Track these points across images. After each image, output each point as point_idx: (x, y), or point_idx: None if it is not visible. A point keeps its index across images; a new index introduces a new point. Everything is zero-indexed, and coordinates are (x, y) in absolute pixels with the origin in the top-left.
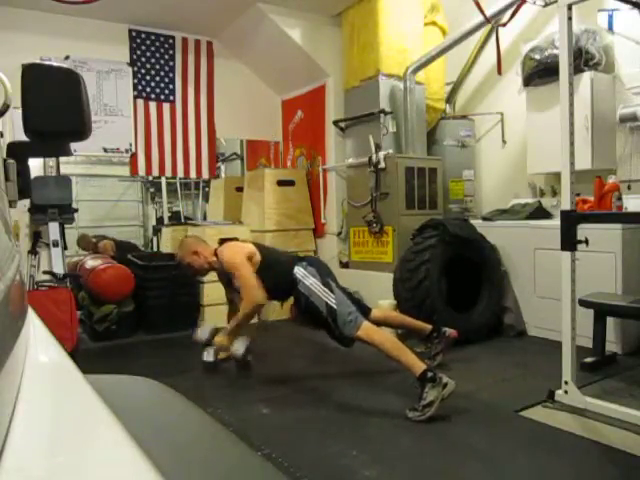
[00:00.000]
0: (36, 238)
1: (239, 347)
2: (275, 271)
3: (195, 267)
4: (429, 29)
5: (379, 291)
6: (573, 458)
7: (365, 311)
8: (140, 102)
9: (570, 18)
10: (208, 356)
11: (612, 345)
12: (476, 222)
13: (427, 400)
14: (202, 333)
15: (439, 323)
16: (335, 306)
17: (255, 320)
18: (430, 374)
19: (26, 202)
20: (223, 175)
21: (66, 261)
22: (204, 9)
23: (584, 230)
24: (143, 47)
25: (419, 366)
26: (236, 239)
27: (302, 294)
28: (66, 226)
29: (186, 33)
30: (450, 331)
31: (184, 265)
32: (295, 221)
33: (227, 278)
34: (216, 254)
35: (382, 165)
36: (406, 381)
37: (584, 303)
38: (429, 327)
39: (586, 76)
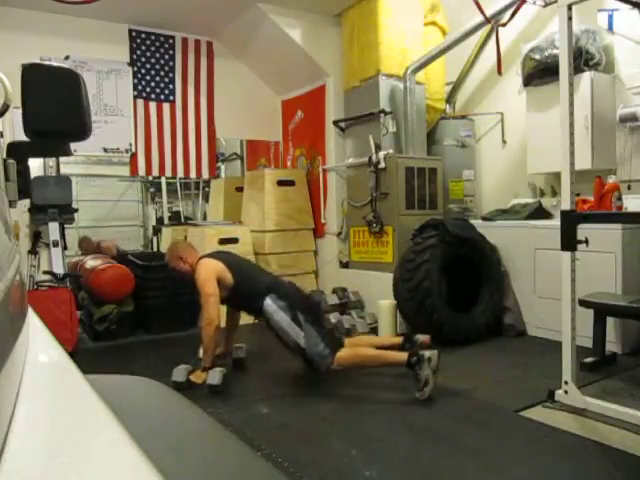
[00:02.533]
0: (36, 238)
1: (214, 377)
2: (245, 298)
3: (179, 272)
4: (429, 29)
5: (379, 291)
6: (573, 458)
7: (338, 344)
8: (140, 102)
9: (570, 18)
10: (178, 376)
11: (612, 345)
12: (476, 222)
13: (423, 379)
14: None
15: (439, 323)
16: (303, 345)
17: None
18: (414, 358)
19: (26, 202)
20: (223, 175)
21: (66, 261)
22: (204, 9)
23: (584, 230)
24: (143, 47)
25: (402, 358)
26: (236, 240)
27: (271, 327)
28: (66, 226)
29: (186, 33)
30: (423, 338)
31: (170, 268)
32: (295, 221)
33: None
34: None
35: (382, 165)
36: (406, 381)
37: (584, 303)
38: (399, 339)
39: (586, 76)
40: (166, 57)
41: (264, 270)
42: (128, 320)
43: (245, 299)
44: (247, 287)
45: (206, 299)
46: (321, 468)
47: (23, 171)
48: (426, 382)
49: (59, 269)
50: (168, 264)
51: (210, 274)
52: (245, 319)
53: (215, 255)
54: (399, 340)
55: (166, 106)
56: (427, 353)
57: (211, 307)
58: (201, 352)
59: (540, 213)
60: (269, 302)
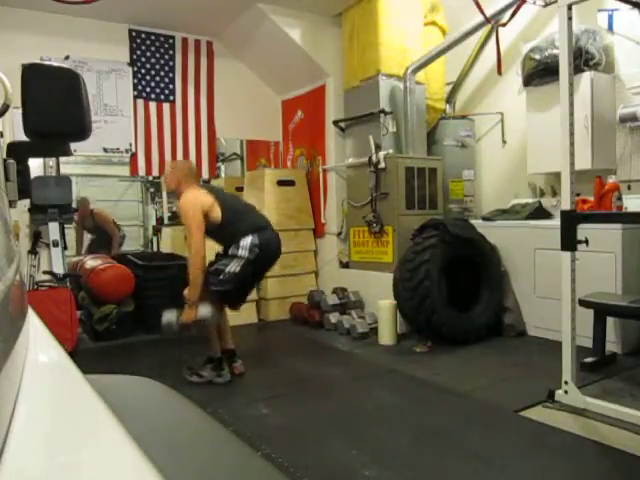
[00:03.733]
0: (36, 238)
1: (203, 311)
2: (227, 235)
3: (170, 190)
4: (429, 29)
5: (379, 291)
6: (573, 458)
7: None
8: (140, 102)
9: (570, 18)
10: (168, 317)
11: (612, 345)
12: (476, 222)
13: (202, 372)
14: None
15: (439, 323)
16: (225, 268)
17: (255, 320)
18: (215, 363)
19: (26, 202)
20: (223, 175)
21: (66, 261)
22: (204, 9)
23: (584, 230)
24: (143, 47)
25: (216, 351)
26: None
27: (229, 256)
28: (66, 226)
29: (186, 33)
30: (240, 369)
31: (164, 182)
32: (295, 221)
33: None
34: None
35: (382, 165)
36: (406, 381)
37: (584, 303)
38: (232, 348)
39: (586, 76)
40: (166, 57)
41: (254, 210)
42: (128, 320)
43: (227, 237)
44: (232, 228)
45: (191, 229)
46: (321, 468)
47: (23, 171)
48: (201, 376)
49: (59, 269)
50: (165, 178)
51: (196, 205)
52: (245, 319)
53: (207, 187)
54: (230, 349)
55: (166, 106)
56: (225, 373)
57: (196, 236)
58: (185, 291)
59: (540, 213)
60: (245, 242)
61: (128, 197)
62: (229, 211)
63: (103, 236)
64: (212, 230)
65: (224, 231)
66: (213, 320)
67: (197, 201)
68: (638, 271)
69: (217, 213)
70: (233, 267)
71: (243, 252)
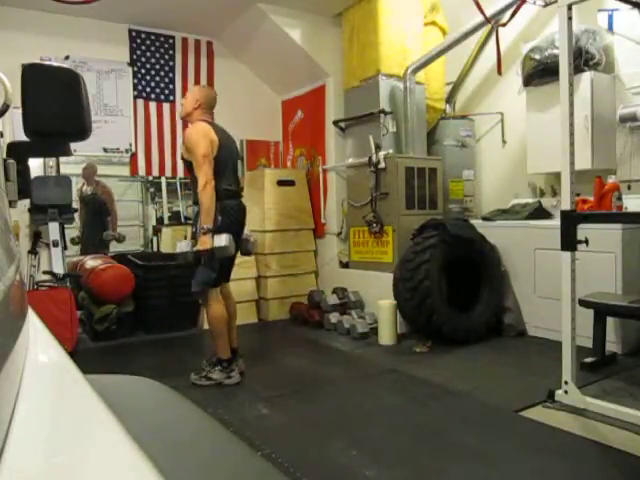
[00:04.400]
0: (36, 238)
1: (221, 240)
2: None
3: (185, 117)
4: (429, 29)
5: (379, 291)
6: (573, 458)
7: (225, 279)
8: (140, 102)
9: (570, 18)
10: (183, 247)
11: (612, 345)
12: (476, 222)
13: (211, 375)
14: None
15: (439, 323)
16: (203, 260)
17: (255, 320)
18: (225, 364)
19: (26, 202)
20: None
21: (66, 261)
22: (204, 9)
23: (584, 230)
24: (143, 47)
25: (225, 353)
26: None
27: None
28: (66, 226)
29: (186, 33)
30: (242, 367)
31: (183, 112)
32: (295, 221)
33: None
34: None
35: (382, 165)
36: (406, 381)
37: (584, 303)
38: (235, 346)
39: (586, 76)
40: (166, 57)
41: (234, 177)
42: (128, 320)
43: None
44: (215, 175)
45: (202, 159)
46: (321, 468)
47: (23, 171)
48: (209, 378)
49: (59, 269)
50: (183, 102)
51: (207, 137)
52: (245, 319)
53: (218, 127)
54: (234, 347)
55: (166, 106)
56: (235, 375)
57: (206, 167)
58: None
59: (540, 213)
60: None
61: (128, 197)
62: (220, 163)
63: (99, 213)
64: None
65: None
66: (230, 248)
67: (208, 134)
68: (638, 271)
69: (214, 154)
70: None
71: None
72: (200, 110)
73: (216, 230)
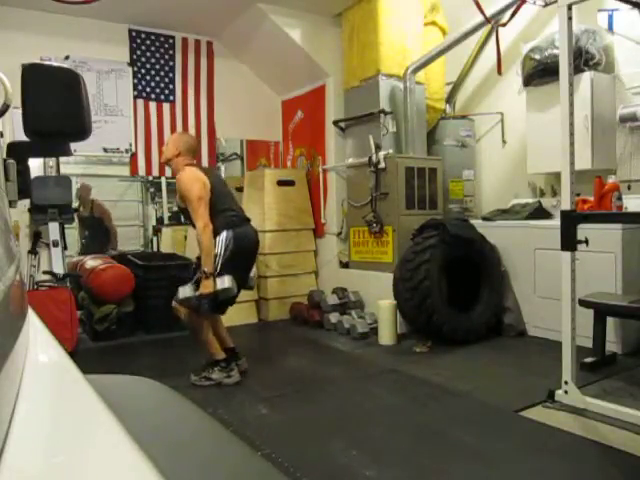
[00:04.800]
0: (36, 238)
1: (224, 282)
2: (215, 215)
3: (166, 162)
4: (429, 29)
5: (379, 291)
6: (573, 458)
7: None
8: (140, 102)
9: (570, 18)
10: (185, 292)
11: (612, 345)
12: (476, 222)
13: (211, 375)
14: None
15: (439, 323)
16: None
17: (255, 320)
18: (224, 364)
19: (26, 202)
20: (223, 175)
21: (66, 261)
22: (204, 9)
23: (584, 230)
24: (143, 47)
25: (219, 354)
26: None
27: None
28: (66, 226)
29: (186, 33)
30: (244, 366)
31: (163, 157)
32: (295, 221)
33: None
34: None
35: (382, 165)
36: (406, 381)
37: (584, 303)
38: (231, 346)
39: (586, 76)
40: (166, 57)
41: (235, 203)
42: (128, 320)
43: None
44: (215, 215)
45: (197, 203)
46: (321, 468)
47: (23, 171)
48: (208, 379)
49: (59, 269)
50: (164, 149)
51: (199, 180)
52: (245, 319)
53: (202, 168)
54: (232, 347)
55: (166, 106)
56: (235, 373)
57: (202, 209)
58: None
59: (540, 213)
60: (223, 236)
61: (128, 197)
62: (216, 197)
63: (97, 233)
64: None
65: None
66: (233, 289)
67: (200, 177)
68: (638, 271)
69: (208, 196)
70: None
71: (217, 249)
72: (182, 157)
73: (228, 258)
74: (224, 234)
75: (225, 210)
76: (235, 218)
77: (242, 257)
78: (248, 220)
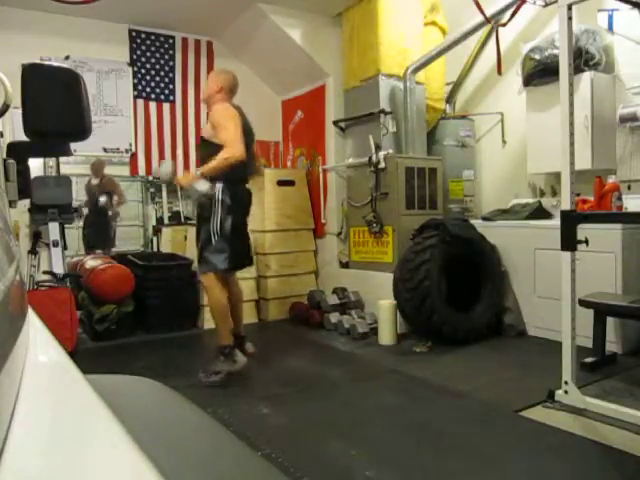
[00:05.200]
0: (36, 238)
1: (202, 185)
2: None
3: (207, 99)
4: (429, 29)
5: (379, 291)
6: (573, 458)
7: (235, 267)
8: (140, 102)
9: (570, 18)
10: (167, 167)
11: (612, 345)
12: (476, 222)
13: (217, 368)
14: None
15: (439, 323)
16: (213, 242)
17: (255, 320)
18: (227, 350)
19: (26, 202)
20: None
21: (66, 261)
22: (204, 9)
23: (584, 230)
24: (143, 47)
25: (226, 340)
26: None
27: (206, 207)
28: (66, 226)
29: (186, 33)
30: (252, 349)
31: (205, 95)
32: (295, 221)
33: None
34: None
35: (382, 165)
36: (406, 381)
37: (584, 303)
38: (235, 336)
39: (586, 76)
40: (166, 57)
41: (250, 157)
42: (128, 320)
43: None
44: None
45: (229, 138)
46: (321, 468)
47: (23, 171)
48: (217, 372)
49: (59, 269)
50: (208, 81)
51: (235, 118)
52: (246, 319)
53: (238, 109)
54: (242, 335)
55: (166, 106)
56: (238, 357)
57: (237, 143)
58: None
59: (540, 213)
60: (222, 190)
61: (128, 197)
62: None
63: (102, 223)
64: (210, 152)
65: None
66: (207, 196)
67: (237, 115)
68: (638, 271)
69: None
70: (216, 226)
71: (215, 206)
72: (222, 94)
73: (226, 211)
74: (219, 187)
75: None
76: (244, 172)
77: (238, 214)
78: (247, 181)
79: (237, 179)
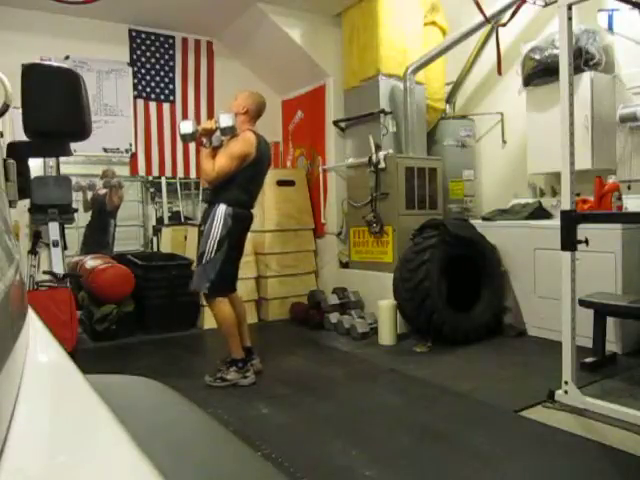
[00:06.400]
0: (36, 238)
1: (225, 118)
2: (220, 187)
3: (236, 106)
4: (429, 29)
5: (379, 291)
6: (573, 458)
7: (228, 290)
8: (140, 102)
9: (570, 18)
10: (186, 127)
11: (612, 345)
12: (476, 222)
13: (226, 376)
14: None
15: (439, 323)
16: (204, 260)
17: (255, 320)
18: (241, 364)
19: (26, 202)
20: None
21: (66, 261)
22: (204, 9)
23: (584, 230)
24: (143, 47)
25: (239, 353)
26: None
27: (206, 223)
28: (66, 226)
29: (186, 33)
30: (259, 366)
31: (234, 105)
32: (295, 221)
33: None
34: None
35: (382, 165)
36: (406, 381)
37: (584, 303)
38: (248, 346)
39: (586, 76)
40: (166, 57)
41: (256, 193)
42: (128, 320)
43: (219, 188)
44: (230, 187)
45: (231, 159)
46: (321, 468)
47: (23, 171)
48: (224, 379)
49: (59, 269)
50: (235, 98)
51: (248, 150)
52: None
53: (259, 139)
54: (248, 347)
55: (166, 106)
56: (250, 374)
57: (229, 165)
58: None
59: (540, 213)
60: (225, 211)
61: (128, 197)
62: (248, 172)
63: (100, 225)
64: (232, 174)
65: (224, 183)
66: (233, 129)
67: (251, 149)
68: (638, 271)
69: (241, 164)
70: (211, 252)
71: (217, 222)
72: (247, 116)
73: (225, 234)
74: (223, 207)
75: (242, 189)
76: (242, 202)
77: (237, 234)
78: (252, 207)
79: (243, 203)
